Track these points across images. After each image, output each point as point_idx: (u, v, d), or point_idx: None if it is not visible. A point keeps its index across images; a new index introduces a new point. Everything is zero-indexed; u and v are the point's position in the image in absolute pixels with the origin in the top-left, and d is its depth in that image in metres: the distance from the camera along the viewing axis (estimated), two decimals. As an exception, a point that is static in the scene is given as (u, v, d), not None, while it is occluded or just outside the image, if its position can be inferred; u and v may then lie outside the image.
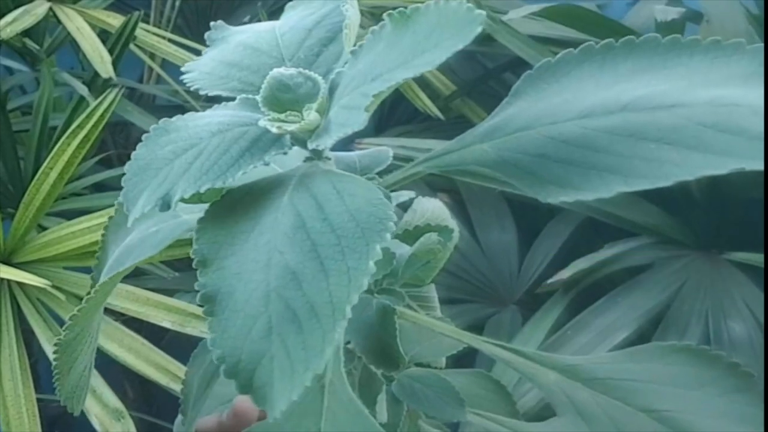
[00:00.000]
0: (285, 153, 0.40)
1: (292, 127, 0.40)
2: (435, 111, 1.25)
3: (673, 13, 1.07)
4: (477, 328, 1.14)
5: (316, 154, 0.42)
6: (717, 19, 1.05)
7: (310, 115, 0.40)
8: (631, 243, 1.11)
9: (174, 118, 0.43)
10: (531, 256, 1.22)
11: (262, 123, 0.40)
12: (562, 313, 1.08)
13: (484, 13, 0.36)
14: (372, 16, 1.25)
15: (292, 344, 0.34)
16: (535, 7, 1.13)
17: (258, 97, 0.42)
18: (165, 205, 0.39)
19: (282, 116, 0.40)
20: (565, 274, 1.08)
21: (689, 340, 1.00)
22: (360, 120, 0.37)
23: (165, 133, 0.42)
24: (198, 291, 0.37)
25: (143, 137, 0.42)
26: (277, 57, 0.46)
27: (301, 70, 0.42)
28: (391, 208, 0.36)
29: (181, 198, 0.38)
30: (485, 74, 1.40)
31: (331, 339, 0.34)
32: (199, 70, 0.47)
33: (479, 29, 0.36)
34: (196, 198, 0.39)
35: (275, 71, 0.42)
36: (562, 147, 0.38)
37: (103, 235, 0.51)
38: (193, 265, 0.37)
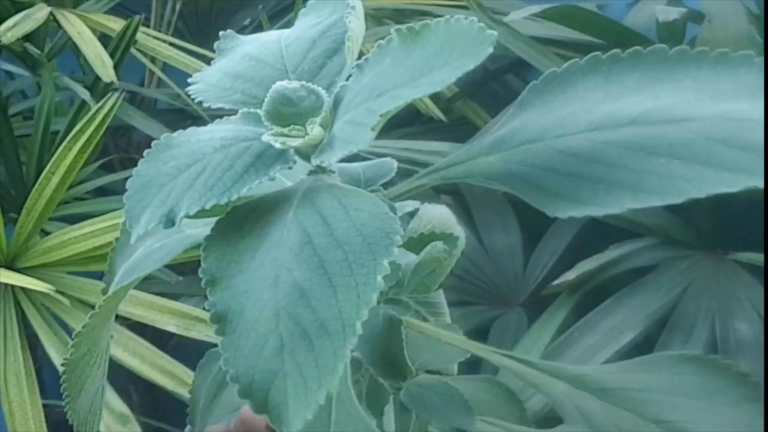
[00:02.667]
0: (290, 168, 0.39)
1: (295, 142, 0.39)
2: (437, 113, 1.24)
3: (674, 13, 1.06)
4: (482, 330, 1.14)
5: (320, 168, 0.42)
6: (718, 19, 1.04)
7: (314, 129, 0.40)
8: (636, 244, 1.10)
9: (176, 133, 0.42)
10: (535, 257, 1.21)
11: (266, 138, 0.39)
12: (568, 315, 1.07)
13: (495, 33, 0.36)
14: (373, 18, 1.24)
15: (304, 362, 0.34)
16: (536, 8, 1.13)
17: (261, 111, 0.41)
18: (169, 222, 0.39)
19: (285, 130, 0.40)
20: (570, 275, 1.07)
21: (696, 341, 0.99)
22: (366, 137, 0.37)
23: (167, 148, 0.42)
24: (208, 309, 0.37)
25: (145, 153, 0.42)
26: (281, 69, 0.45)
27: (304, 83, 0.42)
28: (397, 222, 0.35)
29: (186, 214, 0.38)
30: (487, 76, 1.39)
31: (343, 356, 0.33)
32: (205, 81, 0.47)
33: (491, 49, 0.36)
34: (201, 214, 0.39)
35: (278, 84, 0.41)
36: (571, 160, 0.37)
37: (110, 256, 0.51)
38: (202, 284, 0.37)
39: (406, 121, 1.37)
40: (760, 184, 0.33)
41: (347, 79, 0.42)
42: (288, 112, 0.41)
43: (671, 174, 0.34)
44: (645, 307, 1.04)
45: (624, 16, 1.31)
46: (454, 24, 0.38)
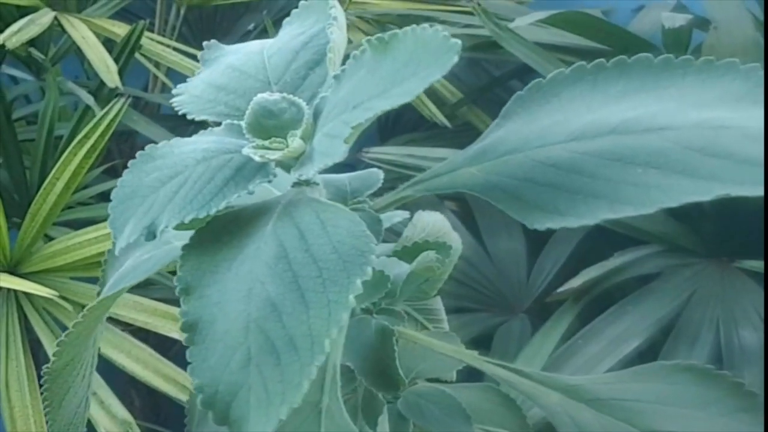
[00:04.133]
0: (269, 181, 0.39)
1: (275, 155, 0.39)
2: (441, 118, 1.23)
3: (680, 19, 1.05)
4: (486, 337, 1.13)
5: (304, 180, 0.41)
6: (724, 26, 1.03)
7: (295, 142, 0.40)
8: (641, 251, 1.09)
9: (160, 144, 0.42)
10: (540, 264, 1.20)
11: (246, 151, 0.39)
12: (572, 323, 1.06)
13: (459, 42, 0.35)
14: (378, 24, 1.24)
15: (270, 377, 0.34)
16: (542, 14, 1.12)
17: (242, 123, 0.41)
18: (150, 234, 0.39)
19: (266, 143, 0.40)
20: (575, 282, 1.06)
21: (700, 349, 0.98)
22: (340, 150, 0.36)
23: (151, 159, 0.42)
24: (180, 317, 0.37)
25: (129, 163, 0.42)
26: (264, 80, 0.45)
27: (285, 95, 0.42)
28: (373, 241, 0.35)
29: (166, 227, 0.38)
30: (491, 81, 1.38)
31: (309, 372, 0.33)
32: (189, 92, 0.47)
33: (455, 59, 0.35)
34: (183, 226, 0.39)
35: (259, 97, 0.41)
36: (550, 171, 0.37)
37: (102, 267, 0.51)
38: (176, 293, 0.37)
39: (410, 127, 1.36)
40: (733, 193, 0.32)
41: (328, 91, 0.42)
42: (269, 125, 0.41)
43: (647, 184, 0.34)
44: (650, 314, 1.03)
45: (629, 22, 1.30)
46: (420, 34, 0.38)
